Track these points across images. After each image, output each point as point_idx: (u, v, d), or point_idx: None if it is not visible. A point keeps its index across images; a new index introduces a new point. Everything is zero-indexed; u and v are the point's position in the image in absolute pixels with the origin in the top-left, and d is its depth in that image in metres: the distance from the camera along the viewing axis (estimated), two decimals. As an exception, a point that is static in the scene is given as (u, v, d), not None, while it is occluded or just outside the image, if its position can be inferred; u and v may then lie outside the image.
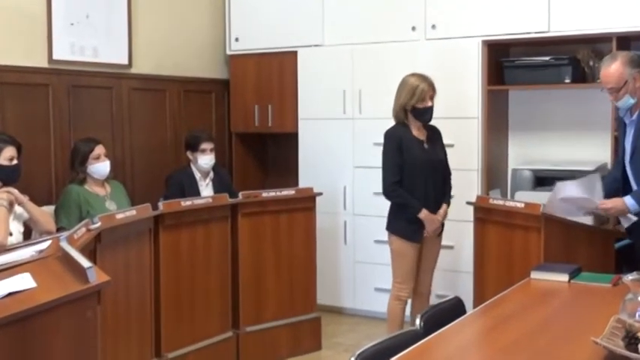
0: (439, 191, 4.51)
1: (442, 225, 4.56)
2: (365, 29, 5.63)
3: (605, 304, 2.92)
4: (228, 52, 6.27)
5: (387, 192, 4.44)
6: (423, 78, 4.42)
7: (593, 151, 5.18)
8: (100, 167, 4.61)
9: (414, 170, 4.39)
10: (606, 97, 4.86)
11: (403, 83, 4.45)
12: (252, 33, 6.12)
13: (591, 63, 5.04)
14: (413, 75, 4.46)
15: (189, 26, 6.10)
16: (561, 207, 4.01)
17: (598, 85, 4.94)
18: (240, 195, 4.83)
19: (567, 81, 5.00)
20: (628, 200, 3.84)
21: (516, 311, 2.97)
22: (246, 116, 6.19)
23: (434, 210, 4.46)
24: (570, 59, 5.03)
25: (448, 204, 4.56)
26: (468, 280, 4.73)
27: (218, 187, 5.13)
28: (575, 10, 4.89)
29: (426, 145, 4.47)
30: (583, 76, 5.09)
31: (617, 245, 4.52)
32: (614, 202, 3.86)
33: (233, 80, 6.27)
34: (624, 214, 3.89)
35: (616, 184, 4.02)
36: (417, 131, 4.47)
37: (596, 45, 5.11)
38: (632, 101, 3.84)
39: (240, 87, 6.22)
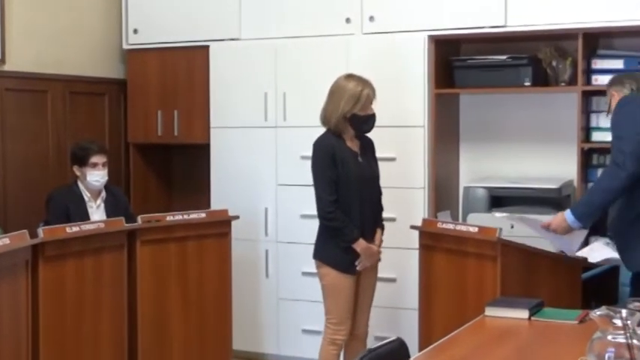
0: (376, 214, 4.58)
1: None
2: (290, 21, 5.66)
3: (570, 344, 3.00)
4: (125, 47, 6.22)
5: (325, 213, 4.44)
6: (364, 81, 4.49)
7: (558, 165, 5.31)
8: None
9: (348, 188, 4.43)
10: (572, 102, 5.06)
11: (341, 88, 4.48)
12: (155, 24, 6.09)
13: (554, 63, 5.18)
14: (350, 78, 4.51)
15: (77, 14, 6.03)
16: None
17: (562, 88, 5.14)
18: (140, 219, 4.79)
19: (527, 84, 5.13)
20: (568, 216, 4.07)
21: (469, 354, 3.01)
22: (147, 124, 6.15)
23: (371, 236, 4.52)
24: (530, 59, 5.16)
25: (383, 229, 4.62)
26: (412, 318, 4.78)
27: (112, 210, 5.07)
28: (536, 2, 5.02)
29: (360, 159, 4.53)
30: (545, 78, 5.23)
31: (585, 276, 4.64)
32: (556, 220, 4.13)
33: (131, 80, 6.23)
34: (568, 231, 4.11)
35: None
36: (350, 142, 4.53)
37: (560, 42, 5.26)
38: None
39: (139, 88, 6.18)
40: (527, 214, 4.92)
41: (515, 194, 5.12)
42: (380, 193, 4.65)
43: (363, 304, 4.63)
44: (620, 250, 4.14)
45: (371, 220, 4.53)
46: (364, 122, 4.49)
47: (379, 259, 4.62)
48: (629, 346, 2.42)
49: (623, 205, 4.07)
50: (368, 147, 4.63)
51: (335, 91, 4.51)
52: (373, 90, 4.50)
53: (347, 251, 4.45)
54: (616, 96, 4.20)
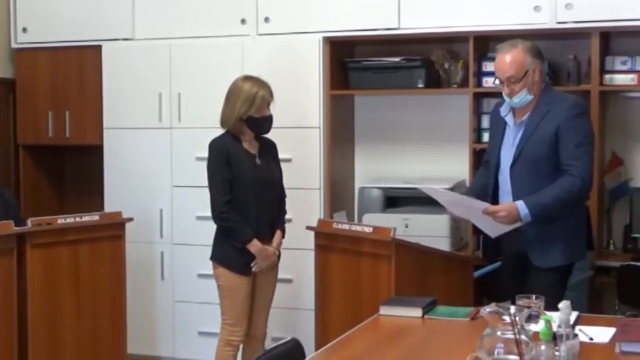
0: (274, 215, 4.58)
1: (278, 254, 4.63)
2: (185, 21, 5.62)
3: (462, 341, 3.07)
4: (14, 46, 6.08)
5: (218, 214, 4.44)
6: (261, 83, 4.50)
7: (450, 166, 5.42)
8: None
9: (244, 189, 4.43)
10: (463, 104, 5.16)
11: (237, 90, 4.49)
12: (45, 22, 5.97)
13: (447, 65, 5.28)
14: (247, 79, 4.52)
15: (-37, 11, 5.87)
16: (456, 209, 4.19)
17: (454, 90, 5.25)
18: (30, 222, 4.69)
19: (420, 85, 5.22)
20: (522, 209, 3.90)
21: (364, 353, 3.06)
22: (38, 125, 6.02)
23: (267, 238, 4.52)
24: (423, 61, 5.25)
25: (283, 231, 4.64)
26: (309, 318, 4.81)
27: (1, 213, 4.95)
28: (429, 6, 5.11)
29: (258, 160, 4.53)
30: (438, 80, 5.33)
31: (477, 274, 4.75)
32: (507, 209, 3.92)
33: (20, 80, 6.09)
34: (515, 222, 3.95)
35: (484, 191, 4.18)
36: (249, 143, 4.53)
37: (452, 45, 5.37)
38: (529, 97, 3.99)
39: (29, 88, 6.05)
40: (421, 213, 5.02)
41: (409, 194, 5.17)
42: (281, 196, 4.65)
43: (260, 305, 4.63)
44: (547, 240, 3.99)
45: (268, 222, 4.54)
46: (260, 124, 4.50)
47: (277, 261, 4.64)
48: (517, 342, 2.49)
49: None
50: (268, 149, 4.63)
51: (232, 93, 4.50)
52: (269, 91, 4.51)
53: (242, 252, 4.45)
54: (538, 72, 4.02)
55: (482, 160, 4.48)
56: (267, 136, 4.63)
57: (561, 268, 4.03)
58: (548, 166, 3.96)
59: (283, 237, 4.64)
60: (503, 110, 4.12)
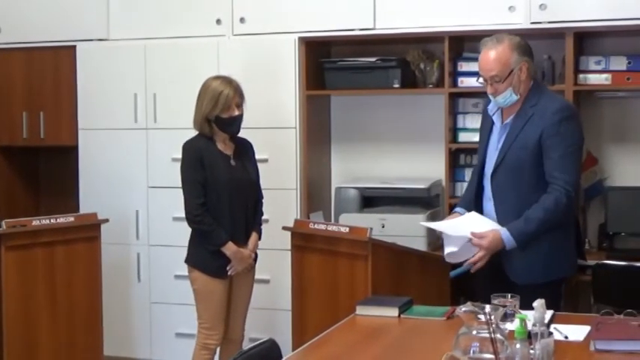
0: (250, 217, 4.57)
1: (255, 256, 4.63)
2: (160, 21, 5.61)
3: (438, 340, 3.09)
4: (-12, 46, 6.07)
5: (192, 216, 4.43)
6: (228, 82, 4.48)
7: (426, 166, 5.45)
8: None
9: (218, 191, 4.42)
10: (439, 104, 5.18)
11: (204, 88, 4.48)
12: (19, 22, 5.93)
13: (422, 65, 5.30)
14: (216, 78, 4.52)
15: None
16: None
17: (430, 90, 5.27)
18: (4, 224, 4.67)
19: (396, 85, 5.24)
20: (506, 238, 3.70)
21: (340, 353, 3.06)
22: (12, 125, 5.99)
23: (243, 240, 4.51)
24: (399, 61, 5.27)
25: (259, 234, 4.63)
26: (286, 318, 4.82)
27: (-25, 215, 4.94)
28: (404, 6, 5.13)
29: (233, 162, 4.51)
30: (413, 80, 5.35)
31: (453, 273, 4.76)
32: (492, 240, 3.71)
33: (-6, 81, 6.07)
34: (497, 250, 3.73)
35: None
36: (223, 144, 4.52)
37: (428, 45, 5.39)
38: (515, 98, 3.76)
39: (3, 89, 6.01)
40: (397, 213, 5.04)
41: (385, 194, 5.21)
42: (258, 197, 4.64)
43: (237, 308, 4.63)
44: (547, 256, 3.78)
45: (243, 224, 4.52)
46: (228, 124, 4.46)
47: (253, 264, 4.63)
48: (493, 341, 2.50)
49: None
50: (244, 150, 4.61)
51: (200, 92, 4.50)
52: (237, 91, 4.47)
53: (217, 255, 4.43)
54: (525, 71, 3.76)
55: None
56: (244, 136, 4.63)
57: (548, 285, 3.74)
58: (532, 175, 3.75)
59: (260, 239, 4.63)
60: (491, 108, 3.91)
